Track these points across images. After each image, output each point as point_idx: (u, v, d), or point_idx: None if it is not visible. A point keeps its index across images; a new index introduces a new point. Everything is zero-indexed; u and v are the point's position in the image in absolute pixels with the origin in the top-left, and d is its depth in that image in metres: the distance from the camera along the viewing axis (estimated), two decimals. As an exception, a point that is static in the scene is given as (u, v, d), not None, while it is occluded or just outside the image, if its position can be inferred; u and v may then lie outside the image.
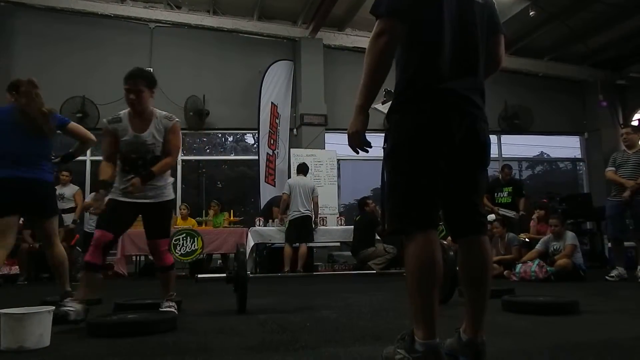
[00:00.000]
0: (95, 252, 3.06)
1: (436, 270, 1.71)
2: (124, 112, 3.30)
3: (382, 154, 1.86)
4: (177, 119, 3.40)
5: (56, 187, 7.68)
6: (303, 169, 7.52)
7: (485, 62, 1.89)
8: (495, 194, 7.55)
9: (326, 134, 9.63)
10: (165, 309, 3.26)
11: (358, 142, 1.83)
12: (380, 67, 1.77)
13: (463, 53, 1.81)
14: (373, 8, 1.79)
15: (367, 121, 1.83)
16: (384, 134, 1.86)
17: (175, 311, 3.28)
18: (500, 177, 7.77)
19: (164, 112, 3.37)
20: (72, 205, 7.38)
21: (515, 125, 10.25)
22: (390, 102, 1.86)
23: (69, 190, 7.51)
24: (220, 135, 10.42)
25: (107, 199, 3.25)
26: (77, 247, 7.36)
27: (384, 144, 1.86)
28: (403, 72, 1.82)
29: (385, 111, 1.91)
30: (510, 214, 7.22)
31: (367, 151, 1.86)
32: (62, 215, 7.26)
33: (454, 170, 1.80)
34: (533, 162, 11.83)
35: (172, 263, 3.43)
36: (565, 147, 11.50)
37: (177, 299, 3.81)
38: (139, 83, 3.19)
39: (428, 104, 1.76)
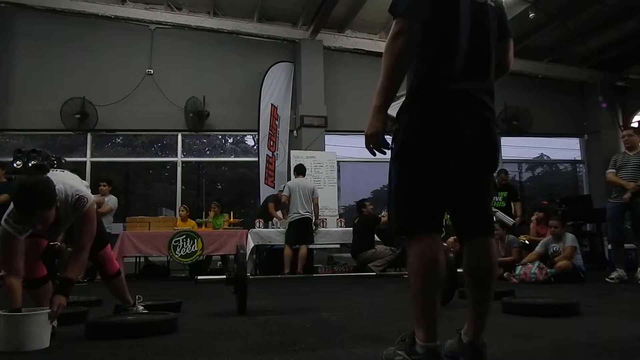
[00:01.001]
0: (36, 265, 2.79)
1: (439, 273, 1.71)
2: None
3: (383, 156, 1.85)
4: (88, 203, 2.77)
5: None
6: (301, 170, 7.51)
7: (494, 65, 1.90)
8: None
9: (326, 136, 9.63)
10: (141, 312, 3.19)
11: (377, 143, 1.80)
12: (399, 67, 1.76)
13: (476, 55, 1.81)
14: (391, 7, 1.78)
15: (386, 122, 1.79)
16: (391, 135, 1.85)
17: (145, 311, 3.21)
18: (496, 182, 7.78)
19: (71, 196, 2.70)
20: None
21: (515, 127, 10.23)
22: (401, 103, 1.85)
23: None
24: (220, 136, 10.41)
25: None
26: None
27: (392, 144, 1.85)
28: (416, 72, 1.82)
29: (392, 113, 1.90)
30: (507, 220, 7.23)
31: (384, 153, 1.83)
32: None
33: (464, 171, 1.80)
34: (533, 163, 11.82)
35: (119, 268, 3.23)
36: (565, 148, 11.50)
37: (177, 301, 3.82)
38: (41, 212, 2.50)
39: (439, 105, 1.76)
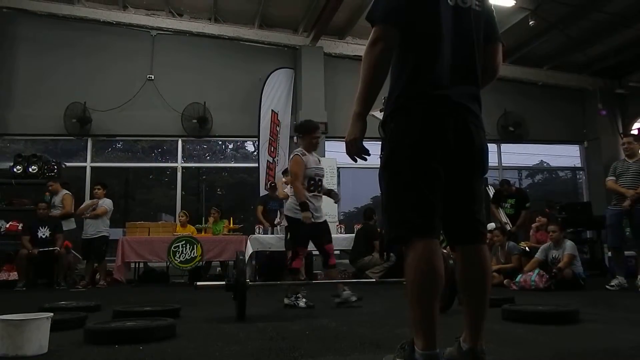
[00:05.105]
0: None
1: (437, 280, 1.69)
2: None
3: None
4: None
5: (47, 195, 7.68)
6: None
7: (482, 70, 1.89)
8: (501, 204, 7.63)
9: (326, 142, 9.62)
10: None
11: (356, 150, 1.81)
12: (377, 74, 1.76)
13: (459, 60, 1.80)
14: (368, 14, 1.78)
15: (365, 129, 1.81)
16: (380, 142, 1.85)
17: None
18: (503, 189, 7.83)
19: None
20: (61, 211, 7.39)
21: (515, 134, 10.25)
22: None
23: (58, 197, 7.51)
24: (220, 142, 10.43)
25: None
26: (74, 252, 7.34)
27: (381, 153, 1.84)
28: (398, 79, 1.81)
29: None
30: (507, 226, 7.26)
31: (365, 159, 1.84)
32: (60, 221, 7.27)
33: (451, 177, 1.79)
34: (533, 170, 11.81)
35: (335, 262, 4.64)
36: (565, 155, 11.50)
37: (176, 306, 3.80)
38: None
39: (424, 112, 1.75)
